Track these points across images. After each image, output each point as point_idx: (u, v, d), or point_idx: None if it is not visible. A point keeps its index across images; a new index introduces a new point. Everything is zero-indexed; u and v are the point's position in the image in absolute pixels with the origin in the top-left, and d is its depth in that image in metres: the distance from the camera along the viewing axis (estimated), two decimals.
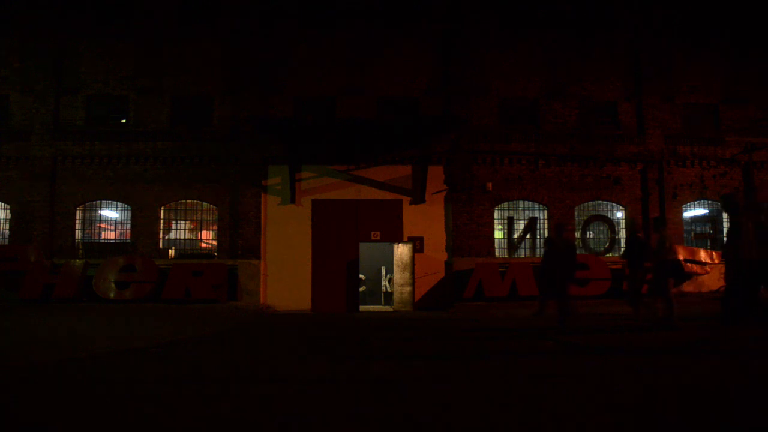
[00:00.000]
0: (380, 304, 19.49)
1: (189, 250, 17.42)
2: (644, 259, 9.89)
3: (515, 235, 17.56)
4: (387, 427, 3.21)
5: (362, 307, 17.40)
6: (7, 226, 17.11)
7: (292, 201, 17.01)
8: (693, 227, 18.38)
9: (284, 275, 16.80)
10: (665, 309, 9.12)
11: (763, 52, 18.25)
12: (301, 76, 17.48)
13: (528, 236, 17.54)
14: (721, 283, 14.86)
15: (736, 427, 3.22)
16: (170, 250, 17.22)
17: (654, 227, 9.77)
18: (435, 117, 16.96)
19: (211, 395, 4.28)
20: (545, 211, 17.58)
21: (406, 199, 17.24)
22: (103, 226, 17.64)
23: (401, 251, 16.88)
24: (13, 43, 17.50)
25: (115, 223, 17.62)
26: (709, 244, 18.07)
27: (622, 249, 14.98)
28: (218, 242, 17.16)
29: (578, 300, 12.10)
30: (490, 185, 17.22)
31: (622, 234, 17.41)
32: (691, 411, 3.58)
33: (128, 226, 17.27)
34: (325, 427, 3.26)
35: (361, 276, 18.19)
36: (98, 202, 17.41)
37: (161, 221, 17.21)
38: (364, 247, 17.43)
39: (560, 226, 10.50)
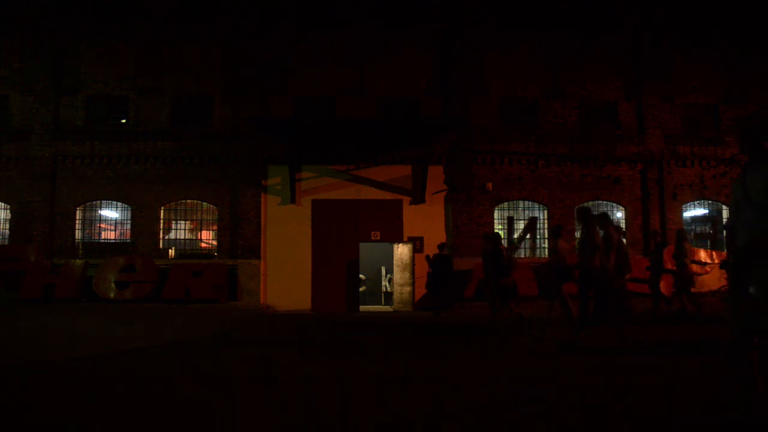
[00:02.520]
0: (380, 304, 19.47)
1: (189, 250, 17.41)
2: (498, 268, 10.69)
3: (515, 235, 17.54)
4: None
5: (362, 307, 17.38)
6: (7, 226, 17.10)
7: (292, 201, 17.00)
8: (693, 227, 18.36)
9: (284, 275, 16.78)
10: (564, 310, 9.82)
11: (763, 52, 18.21)
12: (301, 76, 17.47)
13: (528, 236, 17.53)
14: (722, 283, 14.82)
15: None
16: (170, 250, 17.21)
17: (550, 235, 10.41)
18: (435, 117, 16.94)
19: (211, 395, 4.28)
20: (545, 211, 17.57)
21: (406, 199, 17.23)
22: (103, 226, 17.63)
23: (401, 251, 16.87)
24: (13, 43, 17.48)
25: (115, 223, 17.61)
26: (709, 244, 18.05)
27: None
28: (218, 242, 17.15)
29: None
30: (490, 185, 17.20)
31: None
32: None
33: (128, 226, 17.25)
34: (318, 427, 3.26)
35: (361, 276, 18.17)
36: (98, 202, 17.40)
37: (161, 221, 17.20)
38: (364, 247, 17.41)
39: (488, 235, 11.39)
